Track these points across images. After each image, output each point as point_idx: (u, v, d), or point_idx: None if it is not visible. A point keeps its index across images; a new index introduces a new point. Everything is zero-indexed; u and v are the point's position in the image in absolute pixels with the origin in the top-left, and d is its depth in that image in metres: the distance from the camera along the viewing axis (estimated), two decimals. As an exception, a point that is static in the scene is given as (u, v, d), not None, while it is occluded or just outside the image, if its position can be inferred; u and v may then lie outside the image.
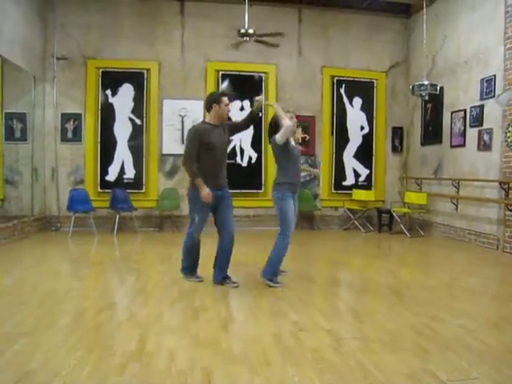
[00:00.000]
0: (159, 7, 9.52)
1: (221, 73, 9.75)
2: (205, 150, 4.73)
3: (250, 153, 9.87)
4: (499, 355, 3.17)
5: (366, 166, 10.42)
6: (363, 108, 10.37)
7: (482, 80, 7.88)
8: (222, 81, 9.77)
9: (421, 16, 8.75)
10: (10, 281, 5.16)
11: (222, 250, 4.98)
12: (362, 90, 10.34)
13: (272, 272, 4.95)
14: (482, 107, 7.91)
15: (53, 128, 9.23)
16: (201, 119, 9.56)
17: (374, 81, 10.39)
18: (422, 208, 9.35)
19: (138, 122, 9.53)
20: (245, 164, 9.82)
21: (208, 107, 4.89)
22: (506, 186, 7.25)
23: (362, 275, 5.88)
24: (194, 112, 9.60)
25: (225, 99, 4.82)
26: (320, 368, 2.92)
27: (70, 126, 9.29)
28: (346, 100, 10.29)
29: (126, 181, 9.48)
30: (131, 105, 9.50)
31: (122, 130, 9.47)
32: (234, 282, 4.97)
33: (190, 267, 5.17)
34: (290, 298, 4.54)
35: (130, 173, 9.52)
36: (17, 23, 7.92)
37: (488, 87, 7.74)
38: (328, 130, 10.16)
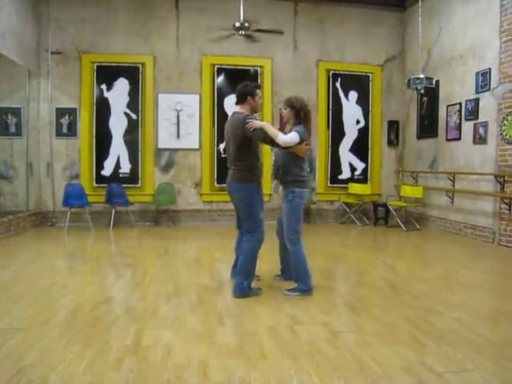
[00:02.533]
0: (154, 1, 9.46)
1: (216, 67, 9.72)
2: (251, 142, 4.39)
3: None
4: (495, 348, 3.19)
5: (362, 160, 10.42)
6: (359, 102, 10.36)
7: (478, 73, 7.88)
8: (218, 75, 9.73)
9: (416, 9, 8.72)
10: (6, 276, 5.14)
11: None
12: (358, 83, 10.33)
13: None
14: (477, 100, 7.92)
15: (48, 123, 9.18)
16: (197, 113, 9.68)
17: (370, 74, 10.37)
18: (418, 201, 9.36)
19: (133, 116, 9.49)
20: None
21: (242, 99, 4.50)
22: (502, 179, 7.26)
23: (358, 269, 5.90)
24: (190, 106, 9.59)
25: (259, 92, 4.56)
26: (316, 361, 2.93)
27: (64, 120, 9.24)
28: (341, 94, 10.27)
29: (121, 175, 9.45)
30: (126, 99, 9.45)
31: (118, 125, 9.43)
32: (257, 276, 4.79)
33: (251, 282, 4.53)
34: (286, 292, 4.55)
35: (125, 167, 9.49)
36: (10, 17, 7.84)
37: (483, 80, 7.74)
38: (324, 124, 10.15)
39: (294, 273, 4.58)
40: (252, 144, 4.40)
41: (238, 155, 4.41)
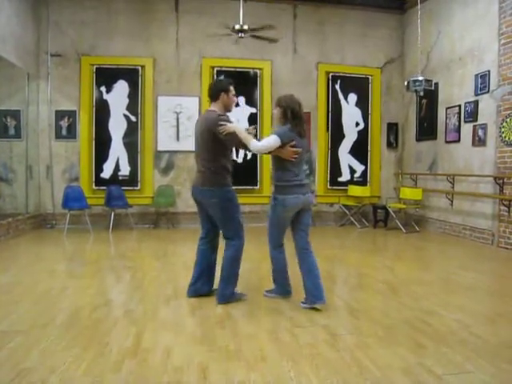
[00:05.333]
0: (154, 4, 9.48)
1: (216, 69, 9.72)
2: (222, 143, 4.16)
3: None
4: (494, 349, 3.19)
5: (362, 162, 10.42)
6: (358, 104, 10.37)
7: (477, 76, 7.89)
8: (217, 77, 9.73)
9: (415, 12, 8.75)
10: (6, 279, 5.13)
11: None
12: (357, 86, 10.33)
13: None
14: (476, 103, 7.93)
15: (47, 125, 9.18)
16: (196, 116, 9.65)
17: (369, 77, 10.38)
18: (418, 203, 9.37)
19: (132, 118, 9.49)
20: (240, 160, 9.79)
21: (214, 96, 4.29)
22: (501, 181, 7.27)
23: (357, 271, 5.90)
24: (189, 109, 9.59)
25: (232, 88, 4.35)
26: (316, 364, 2.93)
27: (64, 123, 9.24)
28: (341, 96, 10.28)
29: (121, 178, 9.44)
30: (126, 101, 9.45)
31: (117, 127, 9.42)
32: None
33: (234, 288, 4.40)
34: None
35: (125, 170, 9.48)
36: (9, 20, 7.85)
37: (482, 83, 7.75)
38: (323, 126, 10.15)
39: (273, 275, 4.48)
40: (223, 145, 4.19)
41: (208, 156, 4.24)
